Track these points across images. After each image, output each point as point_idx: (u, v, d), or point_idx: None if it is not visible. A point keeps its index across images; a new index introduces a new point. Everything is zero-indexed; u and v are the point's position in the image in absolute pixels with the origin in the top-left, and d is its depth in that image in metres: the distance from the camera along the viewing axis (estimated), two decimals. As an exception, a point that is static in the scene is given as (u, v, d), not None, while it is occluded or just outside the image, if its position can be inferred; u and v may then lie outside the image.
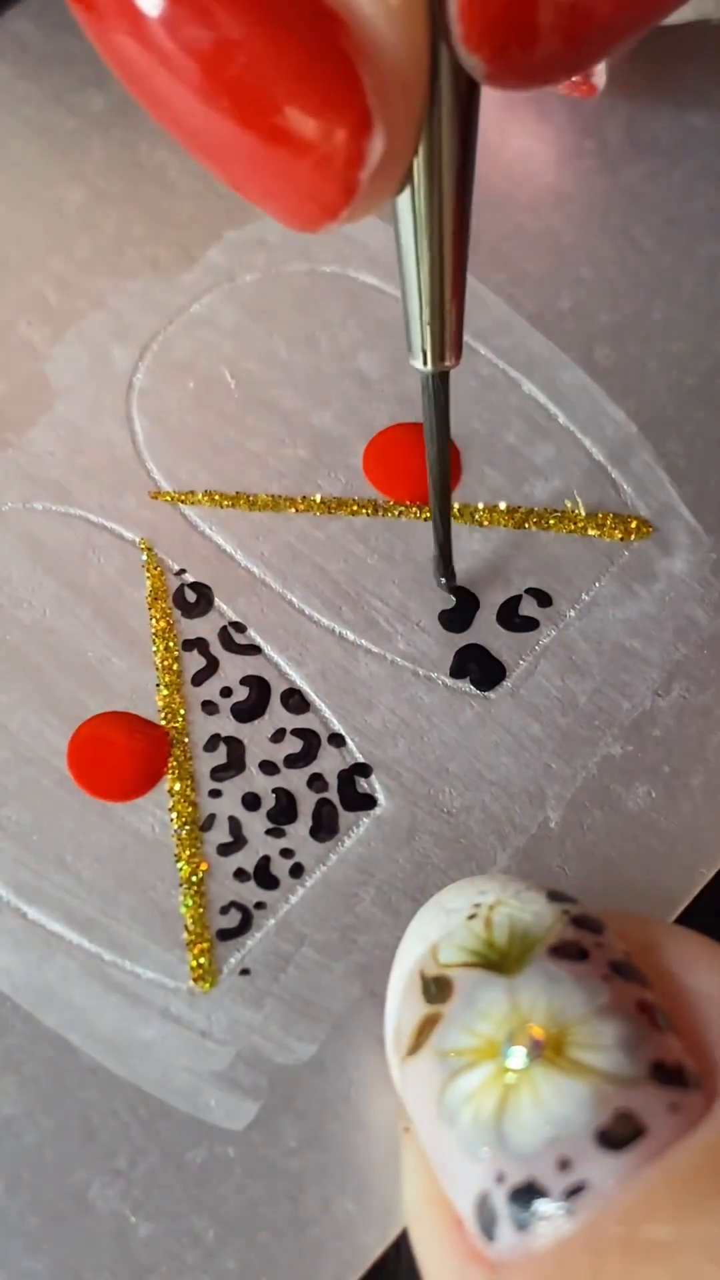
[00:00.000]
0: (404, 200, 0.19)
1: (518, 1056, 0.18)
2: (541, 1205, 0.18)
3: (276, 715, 0.26)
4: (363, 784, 0.25)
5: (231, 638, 0.26)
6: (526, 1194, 0.18)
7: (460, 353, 0.21)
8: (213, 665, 0.26)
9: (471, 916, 0.20)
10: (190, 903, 0.24)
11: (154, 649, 0.26)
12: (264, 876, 0.25)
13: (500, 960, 0.20)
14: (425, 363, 0.21)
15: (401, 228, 0.19)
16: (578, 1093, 0.18)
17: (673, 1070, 0.18)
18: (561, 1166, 0.18)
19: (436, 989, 0.20)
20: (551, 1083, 0.18)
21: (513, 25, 0.16)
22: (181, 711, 0.26)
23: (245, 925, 0.24)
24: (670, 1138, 0.18)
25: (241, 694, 0.26)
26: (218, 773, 0.25)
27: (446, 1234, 0.19)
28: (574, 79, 0.29)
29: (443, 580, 0.26)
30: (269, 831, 0.25)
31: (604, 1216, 0.18)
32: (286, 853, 0.25)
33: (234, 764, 0.25)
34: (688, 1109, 0.18)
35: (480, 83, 0.17)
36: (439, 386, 0.22)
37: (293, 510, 0.27)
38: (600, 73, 0.29)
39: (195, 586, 0.27)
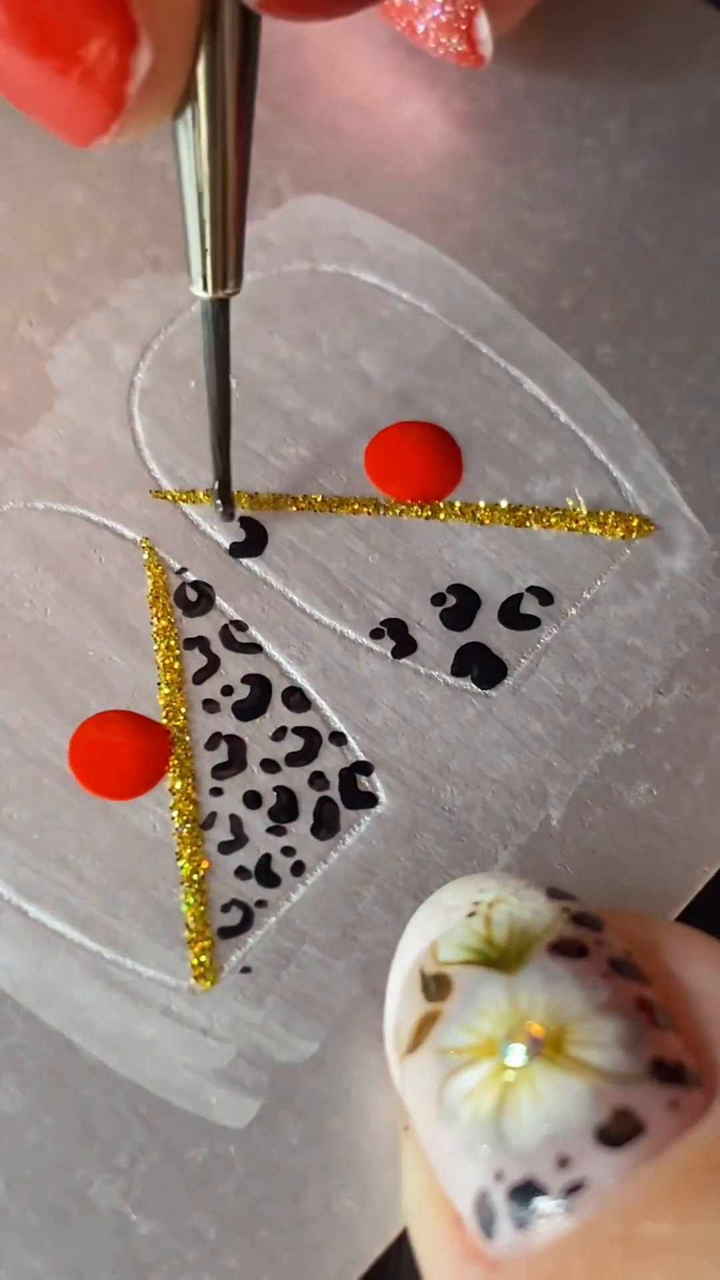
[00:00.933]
0: (182, 124, 0.19)
1: (517, 1054, 0.18)
2: (540, 1203, 0.18)
3: (278, 713, 0.26)
4: (364, 782, 0.25)
5: (233, 636, 0.26)
6: (525, 1192, 0.18)
7: (240, 280, 0.22)
8: (214, 664, 0.26)
9: (471, 914, 0.20)
10: (191, 901, 0.24)
11: (155, 648, 0.26)
12: (265, 874, 0.25)
13: (500, 958, 0.20)
14: (205, 288, 0.22)
15: (181, 151, 0.20)
16: (577, 1090, 0.18)
17: (672, 1068, 0.18)
18: (561, 1164, 0.18)
19: (436, 987, 0.20)
20: (550, 1080, 0.18)
21: None
22: (183, 710, 0.26)
23: (246, 923, 0.24)
24: (669, 1135, 0.18)
25: (243, 692, 0.26)
26: (219, 771, 0.25)
27: (446, 1232, 0.19)
28: (460, 48, 0.29)
29: (219, 506, 0.27)
30: (270, 830, 0.25)
31: (603, 1215, 0.18)
32: (288, 851, 0.25)
33: (235, 762, 0.25)
34: (687, 1106, 0.18)
35: (254, 10, 0.17)
36: (218, 314, 0.23)
37: (293, 509, 0.27)
38: (485, 42, 0.29)
39: (196, 585, 0.27)
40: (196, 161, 0.20)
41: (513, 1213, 0.18)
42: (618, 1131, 0.18)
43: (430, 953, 0.20)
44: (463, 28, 0.29)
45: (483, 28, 0.29)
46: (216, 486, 0.27)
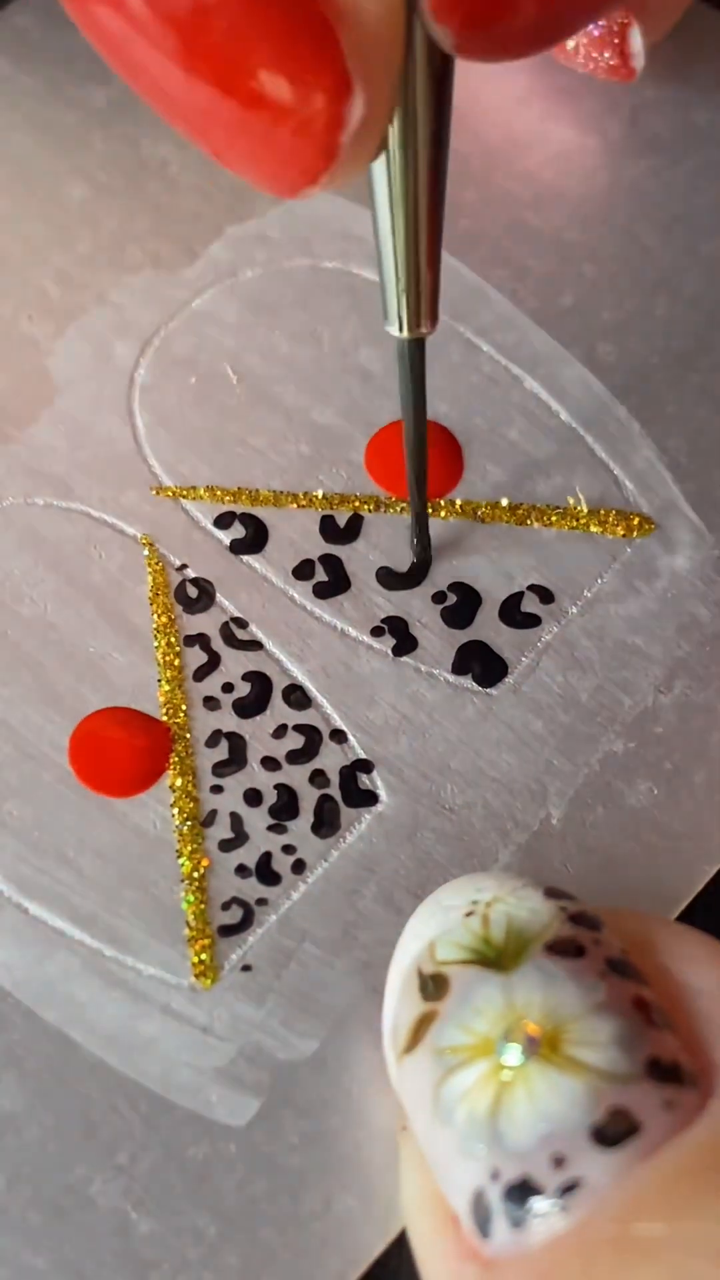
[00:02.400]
0: (379, 166, 0.19)
1: (513, 1053, 0.18)
2: (536, 1203, 0.18)
3: (278, 711, 0.26)
4: (364, 780, 0.25)
5: (233, 633, 0.26)
6: (521, 1191, 0.18)
7: (436, 319, 0.22)
8: (214, 661, 0.26)
9: (469, 914, 0.20)
10: (192, 899, 0.24)
11: (155, 644, 0.26)
12: (265, 872, 0.25)
13: (497, 957, 0.19)
14: (401, 329, 0.21)
15: (377, 194, 0.19)
16: (572, 1090, 0.18)
17: (668, 1067, 0.18)
18: (556, 1164, 0.18)
19: (433, 986, 0.20)
20: (547, 1079, 0.18)
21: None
22: (183, 707, 0.26)
23: (247, 921, 0.24)
24: (665, 1135, 0.18)
25: (243, 690, 0.26)
26: (219, 768, 0.25)
27: (443, 1231, 0.19)
28: (611, 62, 0.29)
29: (414, 544, 0.26)
30: (271, 827, 0.25)
31: (598, 1214, 0.18)
32: (288, 849, 0.25)
33: (235, 760, 0.25)
34: (683, 1106, 0.18)
35: (450, 53, 0.17)
36: (415, 353, 0.22)
37: (294, 506, 0.27)
38: (639, 55, 0.29)
39: (197, 582, 0.27)
40: (392, 203, 0.19)
41: (508, 1212, 0.18)
42: (613, 1131, 0.18)
43: (428, 952, 0.20)
44: (615, 41, 0.29)
45: (636, 40, 0.29)
46: (413, 523, 0.26)
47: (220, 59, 0.16)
